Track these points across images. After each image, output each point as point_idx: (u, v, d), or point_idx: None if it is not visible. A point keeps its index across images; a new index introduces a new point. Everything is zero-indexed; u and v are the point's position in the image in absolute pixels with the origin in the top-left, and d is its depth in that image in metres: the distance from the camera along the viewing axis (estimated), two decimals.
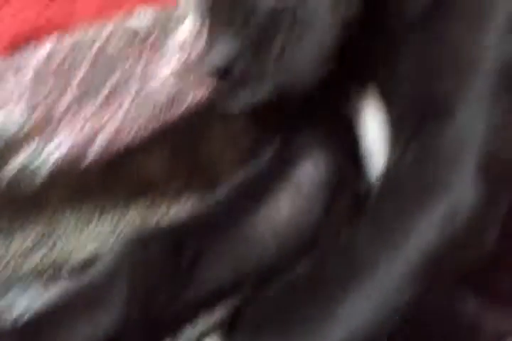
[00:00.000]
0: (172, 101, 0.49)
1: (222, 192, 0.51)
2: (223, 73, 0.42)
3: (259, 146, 0.54)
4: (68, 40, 0.48)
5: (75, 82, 0.47)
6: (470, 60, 0.40)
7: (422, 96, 0.42)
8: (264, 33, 0.40)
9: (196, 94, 0.50)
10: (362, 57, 0.46)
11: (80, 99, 0.47)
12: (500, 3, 0.41)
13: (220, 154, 0.56)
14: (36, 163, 0.46)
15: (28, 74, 0.46)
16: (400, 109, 0.44)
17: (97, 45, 0.48)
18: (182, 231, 0.47)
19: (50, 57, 0.46)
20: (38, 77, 0.46)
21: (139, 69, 0.50)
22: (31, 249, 0.49)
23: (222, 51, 0.41)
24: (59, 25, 0.48)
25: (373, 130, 0.47)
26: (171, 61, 0.50)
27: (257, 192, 0.51)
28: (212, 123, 0.55)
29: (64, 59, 0.47)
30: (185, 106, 0.49)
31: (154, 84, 0.50)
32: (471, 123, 0.39)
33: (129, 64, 0.50)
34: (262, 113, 0.54)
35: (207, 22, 0.44)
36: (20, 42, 0.47)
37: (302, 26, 0.40)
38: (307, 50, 0.41)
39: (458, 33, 0.41)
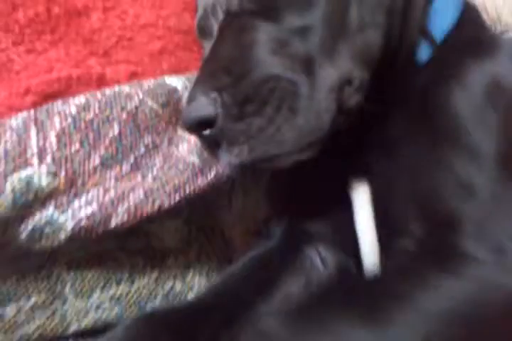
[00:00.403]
0: (198, 170, 0.49)
1: (233, 272, 0.52)
2: (200, 128, 0.42)
3: (270, 221, 0.56)
4: (100, 99, 0.47)
5: (104, 142, 0.46)
6: (469, 183, 0.42)
7: (423, 210, 0.43)
8: (255, 97, 0.41)
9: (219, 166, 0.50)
10: (359, 148, 0.49)
11: (109, 160, 0.46)
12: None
13: (234, 224, 0.57)
14: (60, 220, 0.44)
15: (55, 130, 0.44)
16: (395, 212, 0.46)
17: (129, 107, 0.48)
18: (193, 320, 0.46)
19: (79, 114, 0.46)
20: (65, 134, 0.44)
21: (168, 134, 0.51)
22: (32, 314, 0.46)
23: (200, 106, 0.41)
24: (89, 84, 0.49)
25: (366, 230, 0.48)
26: None
27: (269, 274, 0.51)
28: (230, 194, 0.56)
29: (94, 118, 0.46)
30: (210, 177, 0.49)
31: (182, 151, 0.50)
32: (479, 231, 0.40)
33: (161, 127, 0.50)
34: (273, 189, 0.56)
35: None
36: (50, 97, 0.47)
37: (299, 101, 0.41)
38: (298, 126, 0.41)
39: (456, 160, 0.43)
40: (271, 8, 0.45)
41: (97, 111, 0.47)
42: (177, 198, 0.47)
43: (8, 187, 0.42)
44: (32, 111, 0.45)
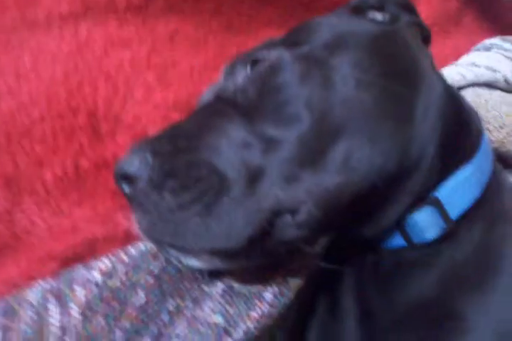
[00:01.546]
0: (224, 332, 0.44)
1: None
2: (122, 181, 0.41)
3: None
4: (126, 262, 0.43)
5: (129, 313, 0.42)
6: None
7: None
8: (181, 176, 0.39)
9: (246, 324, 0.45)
10: None
11: (132, 334, 0.42)
12: None
13: None
14: None
15: (79, 303, 0.40)
16: None
17: (155, 270, 0.44)
18: None
19: (105, 282, 0.41)
20: (90, 307, 0.40)
21: (192, 294, 0.46)
22: None
23: (131, 161, 0.40)
24: (115, 242, 0.45)
25: None
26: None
27: None
28: None
29: (120, 285, 0.42)
30: (237, 336, 0.45)
31: (207, 310, 0.45)
32: None
33: (185, 288, 0.45)
34: None
35: None
36: (72, 261, 0.44)
37: (220, 202, 0.38)
38: (205, 225, 0.38)
39: None
40: (255, 107, 0.43)
41: (123, 277, 0.43)
42: None
43: None
44: (52, 281, 0.41)
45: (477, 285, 0.44)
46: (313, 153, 0.41)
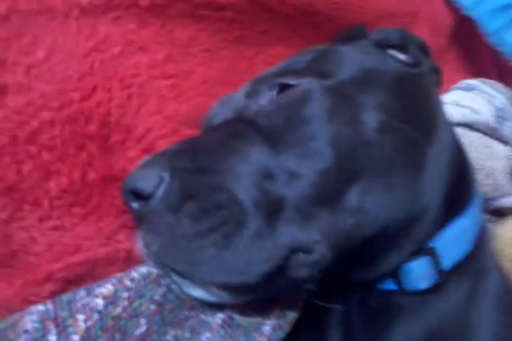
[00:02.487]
0: None
1: None
2: (131, 197, 0.38)
3: None
4: (128, 286, 0.40)
5: None
6: None
7: None
8: (200, 200, 0.37)
9: None
10: None
11: None
12: None
13: None
14: None
15: (79, 331, 0.37)
16: None
17: (157, 297, 0.42)
18: None
19: (106, 308, 0.38)
20: (91, 336, 0.38)
21: (191, 323, 0.43)
22: None
23: (144, 176, 0.38)
24: (115, 263, 0.42)
25: None
26: None
27: None
28: None
29: (122, 313, 0.39)
30: None
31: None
32: None
33: (183, 316, 0.43)
34: None
35: None
36: (71, 283, 0.40)
37: (240, 234, 0.36)
38: (221, 257, 0.36)
39: None
40: (279, 135, 0.41)
41: (125, 303, 0.40)
42: None
43: None
44: (51, 306, 0.37)
45: None
46: (331, 192, 0.40)
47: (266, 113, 0.44)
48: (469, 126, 0.72)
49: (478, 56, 0.90)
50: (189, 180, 0.38)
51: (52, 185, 0.41)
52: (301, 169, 0.40)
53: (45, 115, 0.41)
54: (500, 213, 0.68)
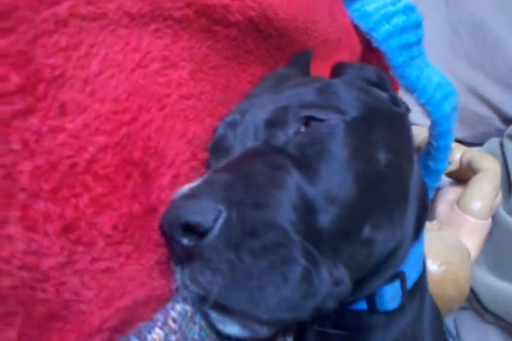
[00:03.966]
0: None
1: None
2: (180, 231, 0.36)
3: None
4: (174, 329, 0.38)
5: None
6: None
7: None
8: (260, 237, 0.36)
9: None
10: None
11: None
12: None
13: None
14: None
15: None
16: None
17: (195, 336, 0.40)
18: None
19: None
20: None
21: None
22: None
23: (199, 209, 0.36)
24: (150, 304, 0.38)
25: None
26: None
27: None
28: None
29: None
30: None
31: None
32: None
33: None
34: None
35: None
36: (117, 331, 0.35)
37: (295, 271, 0.37)
38: (281, 295, 0.36)
39: None
40: (309, 166, 0.43)
41: None
42: None
43: None
44: None
45: None
46: (354, 224, 0.43)
47: (297, 144, 0.44)
48: None
49: None
50: (246, 214, 0.37)
51: (105, 221, 0.35)
52: (332, 202, 0.42)
53: (100, 139, 0.35)
54: None
